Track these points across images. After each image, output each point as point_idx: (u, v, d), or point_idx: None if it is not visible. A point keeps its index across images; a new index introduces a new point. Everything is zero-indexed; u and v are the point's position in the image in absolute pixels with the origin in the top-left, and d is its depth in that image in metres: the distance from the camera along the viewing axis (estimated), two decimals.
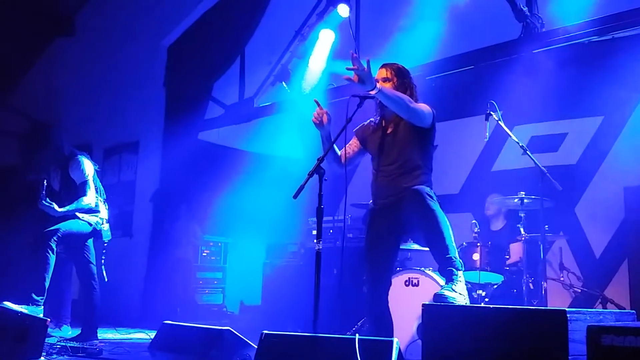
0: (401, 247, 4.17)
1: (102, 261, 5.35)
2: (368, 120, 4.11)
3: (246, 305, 8.54)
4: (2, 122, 10.18)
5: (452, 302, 3.40)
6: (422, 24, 6.46)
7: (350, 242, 6.19)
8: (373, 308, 3.88)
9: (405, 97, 3.74)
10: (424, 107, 3.83)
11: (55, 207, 4.96)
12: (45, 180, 5.08)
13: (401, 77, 3.93)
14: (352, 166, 4.10)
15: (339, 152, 4.04)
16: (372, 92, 3.56)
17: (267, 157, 9.07)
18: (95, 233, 5.23)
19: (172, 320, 4.23)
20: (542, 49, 5.67)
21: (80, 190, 5.11)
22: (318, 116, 3.80)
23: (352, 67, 3.47)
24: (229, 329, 3.68)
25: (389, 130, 3.95)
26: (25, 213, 5.63)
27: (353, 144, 4.11)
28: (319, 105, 3.81)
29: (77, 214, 5.07)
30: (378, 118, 4.03)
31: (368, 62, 3.50)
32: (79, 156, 5.22)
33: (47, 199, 4.97)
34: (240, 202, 8.31)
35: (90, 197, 5.12)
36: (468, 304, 3.55)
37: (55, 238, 4.86)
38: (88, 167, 5.21)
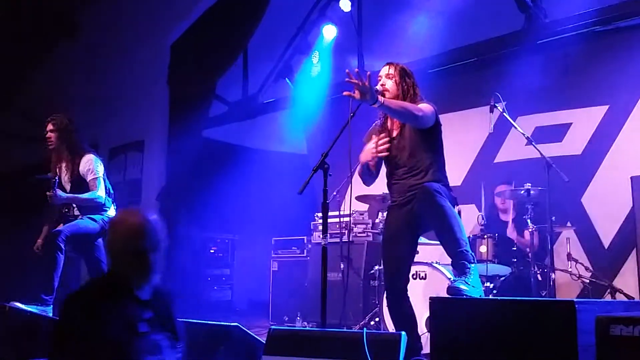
0: None
1: None
2: (373, 125, 4.11)
3: (254, 301, 8.56)
4: (7, 123, 10.19)
5: (467, 295, 3.38)
6: (424, 17, 6.45)
7: (357, 237, 6.20)
8: (393, 304, 3.85)
9: (408, 105, 3.72)
10: (426, 108, 3.77)
11: (62, 193, 4.98)
12: (57, 178, 5.13)
13: (404, 75, 3.91)
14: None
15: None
16: (375, 106, 3.56)
17: (272, 153, 9.07)
18: (105, 232, 5.25)
19: (179, 317, 4.23)
20: (546, 39, 5.66)
21: (91, 186, 5.15)
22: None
23: (352, 81, 3.44)
24: (237, 325, 3.69)
25: (395, 134, 3.95)
26: (36, 213, 5.65)
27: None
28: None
29: (85, 216, 5.11)
30: (382, 118, 4.03)
31: (369, 76, 3.48)
32: (92, 154, 5.27)
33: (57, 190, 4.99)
34: (246, 199, 8.31)
35: (102, 192, 5.16)
36: (482, 296, 3.55)
37: (63, 237, 4.87)
38: (100, 166, 5.26)
